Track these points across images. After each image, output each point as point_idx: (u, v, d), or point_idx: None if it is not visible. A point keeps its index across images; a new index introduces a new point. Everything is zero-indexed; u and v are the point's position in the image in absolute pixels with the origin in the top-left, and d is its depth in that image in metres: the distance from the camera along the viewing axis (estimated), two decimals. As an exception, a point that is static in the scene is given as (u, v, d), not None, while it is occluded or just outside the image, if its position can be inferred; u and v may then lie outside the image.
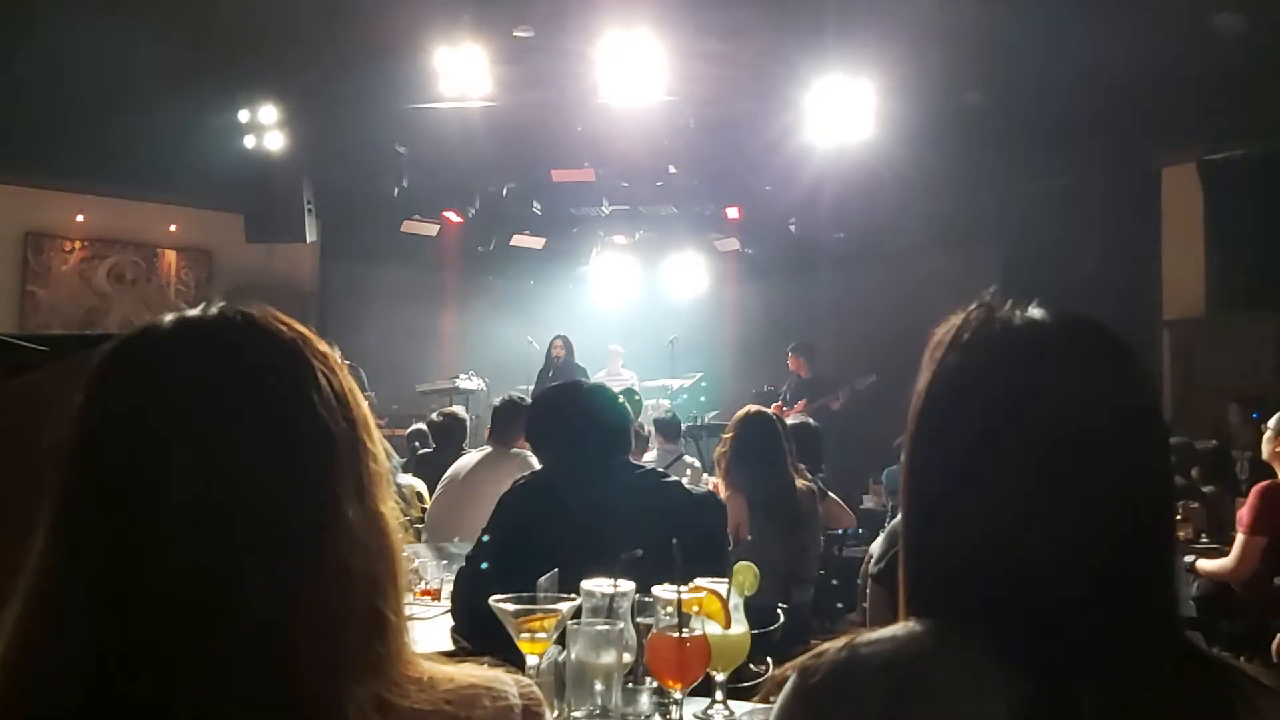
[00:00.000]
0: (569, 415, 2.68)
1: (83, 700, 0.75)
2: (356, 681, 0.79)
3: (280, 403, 0.82)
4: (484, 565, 2.46)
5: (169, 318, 0.85)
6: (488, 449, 4.31)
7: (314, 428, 0.82)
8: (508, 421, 4.26)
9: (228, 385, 0.81)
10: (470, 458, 4.30)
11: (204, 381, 0.81)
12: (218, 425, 0.79)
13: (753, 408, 4.34)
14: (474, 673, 0.88)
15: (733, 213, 9.53)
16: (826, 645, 0.94)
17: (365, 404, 0.88)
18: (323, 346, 0.87)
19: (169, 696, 0.75)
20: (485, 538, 2.55)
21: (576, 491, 2.45)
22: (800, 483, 4.18)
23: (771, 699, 0.97)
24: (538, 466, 4.09)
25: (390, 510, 0.86)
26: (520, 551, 2.30)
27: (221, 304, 0.87)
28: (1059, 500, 0.90)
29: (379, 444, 0.88)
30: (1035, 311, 0.98)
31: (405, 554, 0.89)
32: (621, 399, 2.78)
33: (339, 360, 0.88)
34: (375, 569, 0.83)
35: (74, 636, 0.76)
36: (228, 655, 0.76)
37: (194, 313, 0.86)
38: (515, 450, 4.17)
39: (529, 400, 4.40)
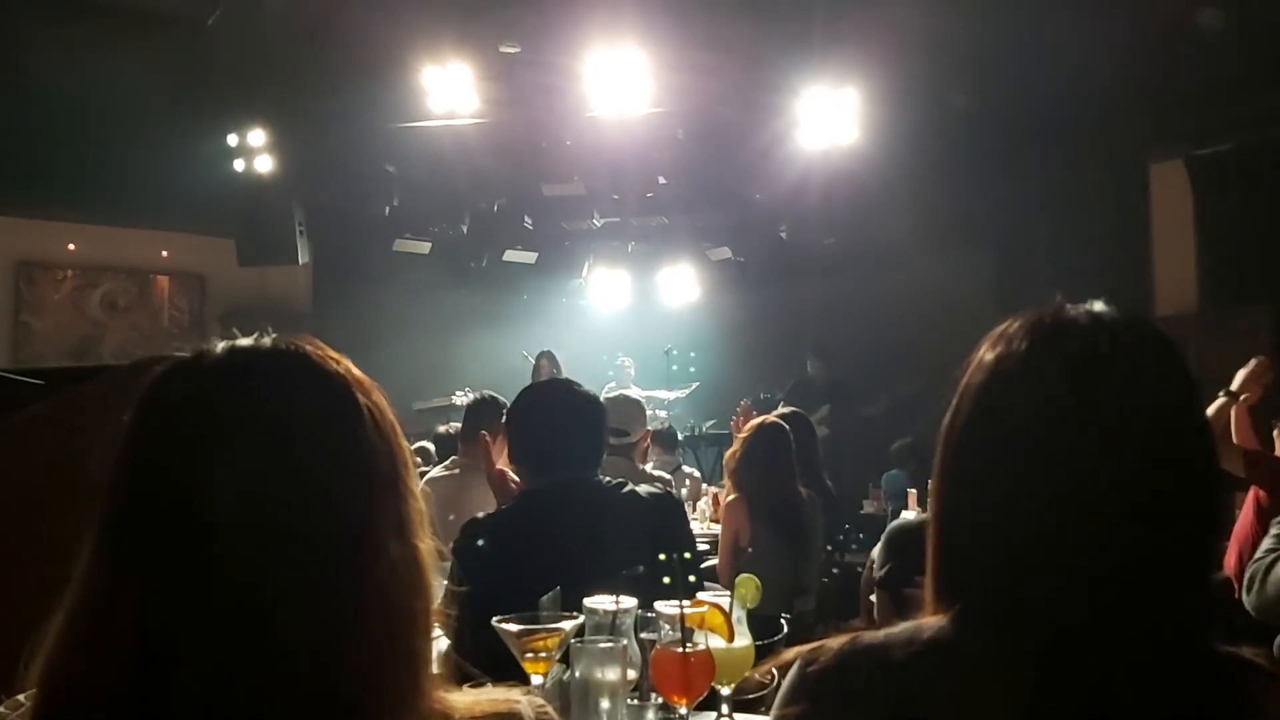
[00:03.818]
0: (546, 428, 2.52)
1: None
2: (388, 714, 0.80)
3: (329, 436, 0.83)
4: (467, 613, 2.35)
5: (222, 345, 0.86)
6: (457, 462, 4.16)
7: (360, 461, 0.83)
8: (480, 417, 4.12)
9: (278, 415, 0.82)
10: (444, 474, 4.14)
11: (255, 410, 0.82)
12: (267, 453, 0.80)
13: (769, 417, 4.36)
14: (490, 699, 0.87)
15: (724, 221, 9.54)
16: (828, 641, 0.94)
17: (405, 441, 0.89)
18: (369, 383, 0.88)
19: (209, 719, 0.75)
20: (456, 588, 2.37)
21: (545, 520, 2.35)
22: (803, 492, 4.20)
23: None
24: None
25: (426, 547, 0.87)
26: (498, 591, 2.22)
27: (275, 335, 0.87)
28: (1106, 500, 0.89)
29: (417, 481, 0.88)
30: (1098, 307, 0.98)
31: None
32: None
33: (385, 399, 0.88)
34: (412, 603, 0.84)
35: (116, 657, 0.76)
36: (265, 686, 0.76)
37: (246, 342, 0.86)
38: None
39: (500, 399, 4.24)
